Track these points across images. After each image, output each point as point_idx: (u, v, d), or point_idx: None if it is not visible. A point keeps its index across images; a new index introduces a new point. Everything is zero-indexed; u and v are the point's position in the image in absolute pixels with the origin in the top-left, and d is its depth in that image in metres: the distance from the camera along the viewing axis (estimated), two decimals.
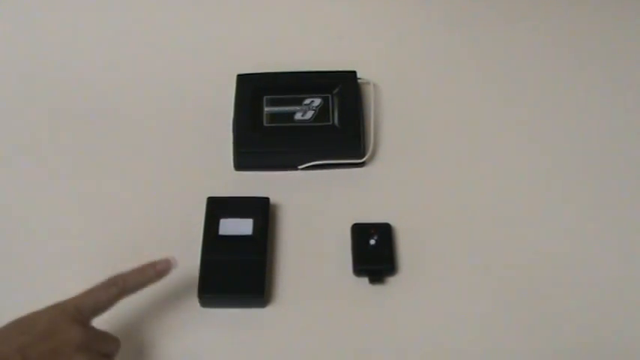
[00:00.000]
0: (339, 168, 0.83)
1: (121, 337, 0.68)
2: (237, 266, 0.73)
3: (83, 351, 0.59)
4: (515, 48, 0.94)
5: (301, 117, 0.84)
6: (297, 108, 0.84)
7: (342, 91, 0.85)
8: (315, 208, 0.80)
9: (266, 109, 0.84)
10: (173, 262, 0.67)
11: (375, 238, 0.76)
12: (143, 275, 0.65)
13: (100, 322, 0.64)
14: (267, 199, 0.78)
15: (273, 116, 0.84)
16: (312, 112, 0.84)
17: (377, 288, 0.74)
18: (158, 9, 0.97)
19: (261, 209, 0.77)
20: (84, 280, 0.74)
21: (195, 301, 0.72)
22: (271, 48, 0.93)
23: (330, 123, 0.83)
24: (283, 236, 0.78)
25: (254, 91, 0.85)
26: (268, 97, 0.85)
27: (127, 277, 0.64)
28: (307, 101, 0.84)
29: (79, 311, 0.61)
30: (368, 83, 0.89)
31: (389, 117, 0.87)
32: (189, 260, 0.73)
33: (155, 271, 0.66)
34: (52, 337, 0.58)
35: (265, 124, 0.83)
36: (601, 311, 0.74)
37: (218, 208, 0.76)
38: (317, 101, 0.84)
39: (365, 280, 0.75)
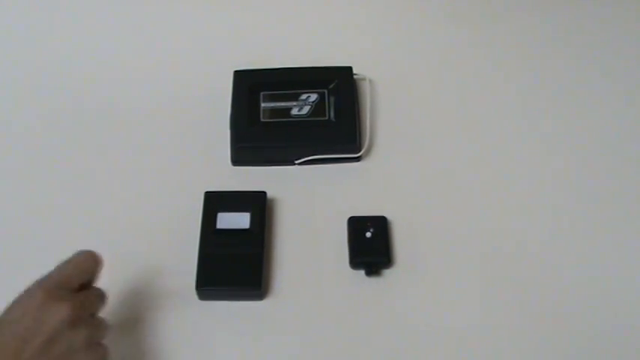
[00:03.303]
0: (335, 162, 0.83)
1: (120, 330, 0.69)
2: (235, 259, 0.74)
3: (77, 327, 0.58)
4: (512, 43, 0.95)
5: (298, 112, 0.84)
6: (294, 103, 0.85)
7: (338, 87, 0.86)
8: (312, 202, 0.80)
9: (263, 104, 0.85)
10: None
11: (371, 231, 0.76)
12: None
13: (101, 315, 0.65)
14: (264, 193, 0.78)
15: (270, 112, 0.84)
16: (309, 107, 0.84)
17: (373, 280, 0.75)
18: (155, 6, 0.97)
19: (258, 203, 0.77)
20: None
21: (193, 294, 0.73)
22: (268, 44, 0.93)
23: (327, 118, 0.84)
24: (280, 230, 0.78)
25: (251, 86, 0.85)
26: (265, 92, 0.85)
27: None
28: (304, 97, 0.85)
29: (59, 287, 0.59)
30: (364, 79, 0.90)
31: (385, 112, 0.88)
32: (187, 254, 0.74)
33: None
34: (54, 342, 0.57)
35: (262, 119, 0.84)
36: (599, 304, 0.74)
37: (215, 202, 0.77)
38: (313, 97, 0.85)
39: (361, 272, 0.75)
